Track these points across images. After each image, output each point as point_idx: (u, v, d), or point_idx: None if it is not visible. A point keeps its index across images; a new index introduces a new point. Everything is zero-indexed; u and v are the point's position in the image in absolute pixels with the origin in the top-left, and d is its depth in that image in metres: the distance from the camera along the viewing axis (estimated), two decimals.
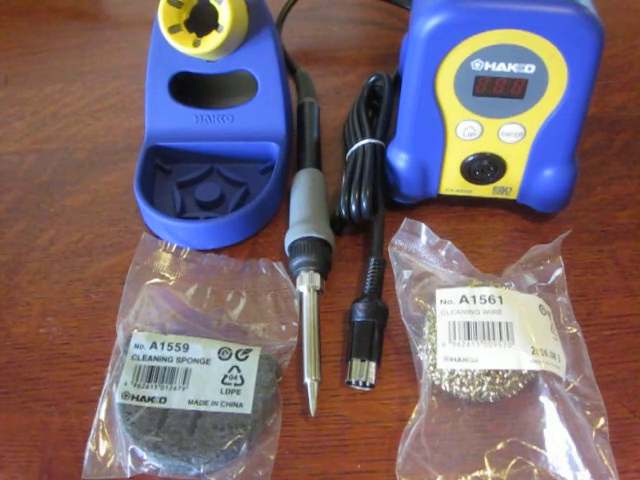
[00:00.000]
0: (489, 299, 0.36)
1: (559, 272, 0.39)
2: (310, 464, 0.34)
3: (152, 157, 0.47)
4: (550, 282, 0.39)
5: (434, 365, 0.35)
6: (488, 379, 0.34)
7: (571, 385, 0.35)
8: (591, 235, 0.43)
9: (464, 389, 0.34)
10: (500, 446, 0.33)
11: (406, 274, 0.39)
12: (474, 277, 0.39)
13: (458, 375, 0.34)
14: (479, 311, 0.36)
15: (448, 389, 0.35)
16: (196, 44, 0.42)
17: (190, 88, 0.48)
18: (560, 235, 0.39)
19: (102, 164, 0.50)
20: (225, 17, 0.40)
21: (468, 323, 0.35)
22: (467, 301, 0.36)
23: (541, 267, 0.39)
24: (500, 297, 0.36)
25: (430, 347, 0.36)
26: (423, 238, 0.40)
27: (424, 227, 0.40)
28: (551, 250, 0.39)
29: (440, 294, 0.37)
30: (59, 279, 0.43)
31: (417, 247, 0.40)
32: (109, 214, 0.47)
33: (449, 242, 0.39)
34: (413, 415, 0.34)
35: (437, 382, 0.35)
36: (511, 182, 0.42)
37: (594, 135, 0.50)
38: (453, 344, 0.35)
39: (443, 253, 0.40)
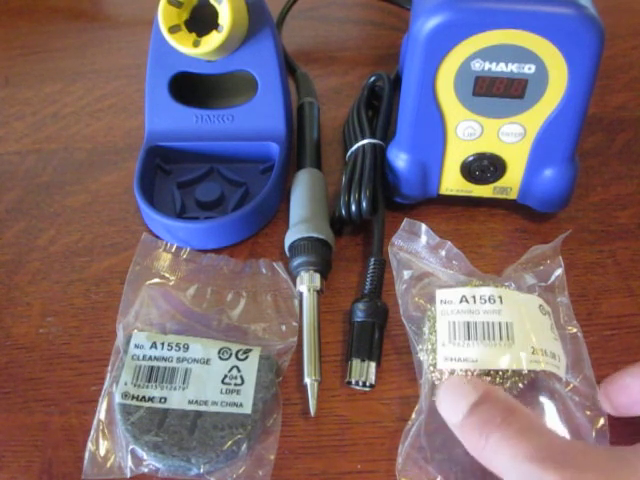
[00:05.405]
0: (489, 299, 0.36)
1: (559, 272, 0.39)
2: (310, 464, 0.34)
3: (152, 157, 0.47)
4: (550, 282, 0.39)
5: (434, 365, 0.35)
6: (488, 379, 0.34)
7: (571, 385, 0.35)
8: (591, 235, 0.43)
9: None
10: None
11: (406, 274, 0.39)
12: (474, 277, 0.39)
13: (458, 375, 0.34)
14: (479, 311, 0.36)
15: None
16: (196, 44, 0.42)
17: (190, 88, 0.48)
18: (560, 235, 0.39)
19: (102, 164, 0.50)
20: (225, 17, 0.40)
21: (468, 323, 0.35)
22: (467, 301, 0.36)
23: (541, 267, 0.39)
24: (500, 297, 0.36)
25: (430, 347, 0.36)
26: (423, 238, 0.40)
27: (424, 227, 0.40)
28: (551, 250, 0.39)
29: (440, 294, 0.37)
30: (59, 279, 0.43)
31: (417, 247, 0.40)
32: (109, 214, 0.46)
33: (449, 242, 0.39)
34: (413, 415, 0.34)
35: (437, 382, 0.35)
36: (511, 182, 0.42)
37: (594, 135, 0.50)
38: (453, 344, 0.35)
39: (443, 253, 0.40)
